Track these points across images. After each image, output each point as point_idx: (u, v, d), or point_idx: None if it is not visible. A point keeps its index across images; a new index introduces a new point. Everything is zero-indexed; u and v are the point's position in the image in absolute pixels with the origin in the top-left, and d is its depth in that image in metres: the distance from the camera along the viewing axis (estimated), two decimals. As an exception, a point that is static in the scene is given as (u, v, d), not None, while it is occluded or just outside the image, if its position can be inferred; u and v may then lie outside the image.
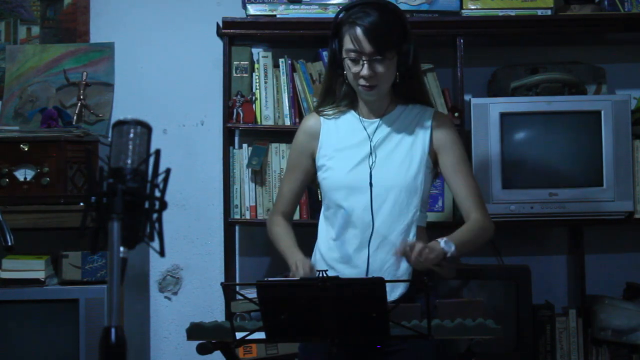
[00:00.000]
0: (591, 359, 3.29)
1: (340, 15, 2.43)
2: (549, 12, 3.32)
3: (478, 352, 2.09)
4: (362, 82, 2.40)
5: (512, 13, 3.31)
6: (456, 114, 3.28)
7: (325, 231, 2.52)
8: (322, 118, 2.54)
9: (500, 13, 3.31)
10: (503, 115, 3.22)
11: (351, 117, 2.52)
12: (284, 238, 2.54)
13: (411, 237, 2.42)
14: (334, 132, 2.52)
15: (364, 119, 2.51)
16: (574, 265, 3.40)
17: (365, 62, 2.37)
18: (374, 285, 1.96)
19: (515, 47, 3.55)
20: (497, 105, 3.23)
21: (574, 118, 3.24)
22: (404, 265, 2.39)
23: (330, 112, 2.54)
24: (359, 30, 2.36)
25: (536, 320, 3.28)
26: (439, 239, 2.29)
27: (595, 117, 3.21)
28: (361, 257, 2.41)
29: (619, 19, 3.32)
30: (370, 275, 2.37)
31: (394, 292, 2.34)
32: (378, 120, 2.49)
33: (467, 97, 3.33)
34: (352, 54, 2.38)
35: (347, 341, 2.19)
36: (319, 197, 3.27)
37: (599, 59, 3.53)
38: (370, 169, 2.43)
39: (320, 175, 2.51)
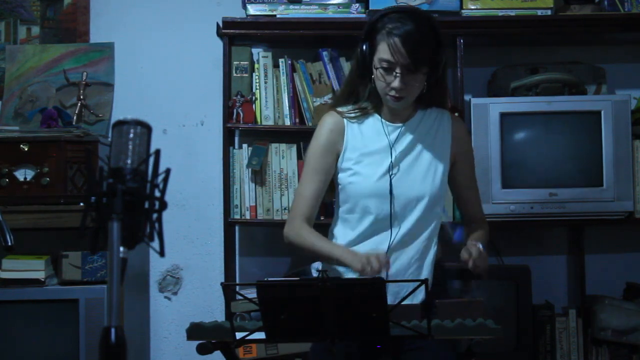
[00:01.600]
0: (591, 359, 3.29)
1: (375, 19, 2.39)
2: (549, 12, 3.32)
3: (478, 352, 2.09)
4: (392, 92, 2.37)
5: (512, 13, 3.31)
6: (456, 114, 3.28)
7: (342, 233, 2.49)
8: (344, 119, 2.49)
9: (500, 13, 3.31)
10: (503, 115, 3.22)
11: (375, 120, 2.48)
12: (318, 239, 2.43)
13: (433, 243, 2.45)
14: (358, 135, 2.48)
15: (387, 123, 2.47)
16: (574, 265, 3.40)
17: (398, 74, 2.33)
18: (374, 286, 1.96)
19: (515, 47, 3.55)
20: (497, 105, 3.23)
21: (574, 118, 3.24)
22: (426, 270, 2.41)
23: (352, 115, 2.48)
24: (397, 41, 2.32)
25: (536, 320, 3.28)
26: (480, 245, 2.32)
27: (595, 117, 3.21)
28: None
29: (619, 19, 3.32)
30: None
31: (415, 297, 2.28)
32: (401, 126, 2.47)
33: (467, 97, 3.33)
34: (386, 64, 2.35)
35: (348, 341, 2.19)
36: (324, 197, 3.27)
37: (599, 59, 3.53)
38: (391, 178, 2.42)
39: (346, 178, 2.47)
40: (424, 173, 2.44)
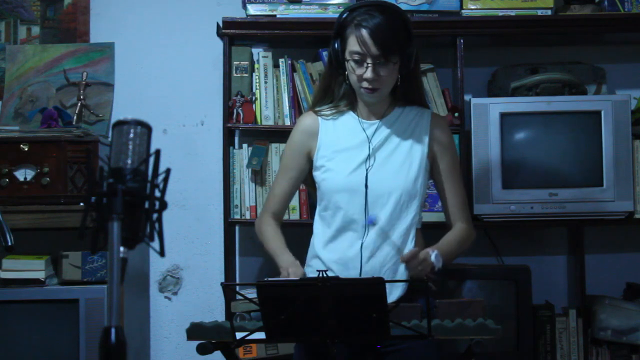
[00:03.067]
0: (591, 359, 3.29)
1: (344, 15, 2.42)
2: (549, 12, 3.32)
3: (478, 352, 2.09)
4: (364, 84, 2.39)
5: (512, 13, 3.31)
6: (456, 114, 3.28)
7: (321, 231, 2.50)
8: (319, 118, 2.52)
9: (500, 13, 3.31)
10: (503, 115, 3.22)
11: (350, 117, 2.51)
12: (273, 239, 2.52)
13: (410, 240, 2.43)
14: (332, 132, 2.50)
15: (363, 120, 2.50)
16: (574, 265, 3.40)
17: (369, 65, 2.36)
18: (374, 285, 1.96)
19: (515, 47, 3.55)
20: (497, 105, 3.23)
21: (574, 118, 3.24)
22: (403, 267, 2.39)
23: (328, 112, 2.52)
24: (365, 33, 2.35)
25: (536, 320, 3.28)
26: (431, 251, 2.32)
27: (595, 117, 3.21)
28: (358, 258, 2.41)
29: (619, 19, 3.32)
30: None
31: (392, 294, 2.33)
32: (377, 122, 2.49)
33: (467, 97, 3.33)
34: (357, 56, 2.37)
35: (347, 341, 2.19)
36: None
37: (599, 59, 3.53)
38: (367, 171, 2.43)
39: (319, 175, 2.50)
40: (398, 168, 2.44)
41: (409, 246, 2.43)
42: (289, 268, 2.37)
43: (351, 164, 2.45)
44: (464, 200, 2.56)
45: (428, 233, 2.57)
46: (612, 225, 3.42)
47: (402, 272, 2.40)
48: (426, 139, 2.48)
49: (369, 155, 2.44)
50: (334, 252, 2.45)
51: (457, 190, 2.55)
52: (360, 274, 2.38)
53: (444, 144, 2.52)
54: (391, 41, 2.35)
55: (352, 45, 2.38)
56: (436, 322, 2.07)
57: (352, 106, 2.51)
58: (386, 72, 2.38)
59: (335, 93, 2.52)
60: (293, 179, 2.56)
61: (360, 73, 2.38)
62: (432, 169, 2.53)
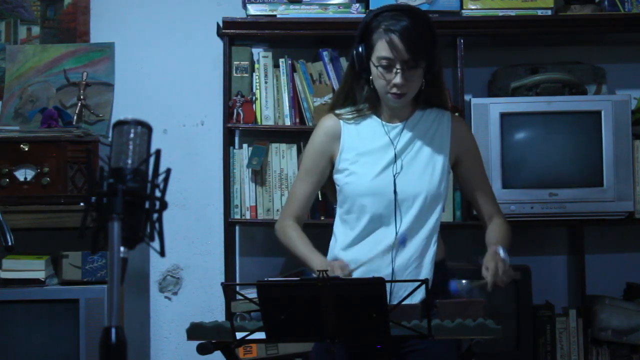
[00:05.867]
0: (591, 359, 3.29)
1: (369, 20, 2.39)
2: (549, 12, 3.32)
3: (478, 352, 2.09)
4: (393, 90, 2.37)
5: (512, 13, 3.31)
6: (456, 114, 3.28)
7: (342, 234, 2.49)
8: (341, 121, 2.50)
9: (500, 13, 3.32)
10: (503, 115, 3.22)
11: (372, 121, 2.48)
12: (301, 242, 2.48)
13: (432, 242, 2.43)
14: (355, 135, 2.48)
15: (386, 123, 2.47)
16: (574, 265, 3.40)
17: (399, 70, 2.34)
18: (374, 286, 1.96)
19: (515, 47, 3.55)
20: (497, 105, 3.23)
21: (574, 118, 3.24)
22: (426, 269, 2.40)
23: (350, 116, 2.49)
24: (395, 37, 2.33)
25: (536, 320, 3.28)
26: (499, 250, 2.32)
27: (595, 117, 3.21)
28: (384, 261, 2.40)
29: (619, 19, 3.33)
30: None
31: (414, 297, 2.25)
32: (400, 124, 2.47)
33: (467, 97, 3.33)
34: (385, 62, 2.35)
35: (348, 341, 2.19)
36: (320, 197, 3.28)
37: (599, 59, 3.53)
38: (394, 176, 2.42)
39: (342, 179, 2.47)
40: (422, 171, 2.43)
41: (432, 248, 2.42)
42: (334, 267, 2.32)
43: (376, 167, 2.43)
44: (494, 196, 2.58)
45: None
46: (612, 225, 3.42)
47: (424, 274, 2.39)
48: (447, 142, 2.48)
49: (395, 159, 2.43)
50: (357, 255, 2.42)
51: (487, 186, 2.57)
52: (392, 277, 2.37)
53: (467, 145, 2.52)
54: (420, 45, 2.34)
55: (381, 50, 2.35)
56: (436, 322, 2.07)
57: (375, 109, 2.49)
58: (414, 77, 2.37)
59: (357, 96, 2.49)
60: (315, 182, 2.53)
61: (390, 79, 2.36)
62: (456, 170, 2.53)
